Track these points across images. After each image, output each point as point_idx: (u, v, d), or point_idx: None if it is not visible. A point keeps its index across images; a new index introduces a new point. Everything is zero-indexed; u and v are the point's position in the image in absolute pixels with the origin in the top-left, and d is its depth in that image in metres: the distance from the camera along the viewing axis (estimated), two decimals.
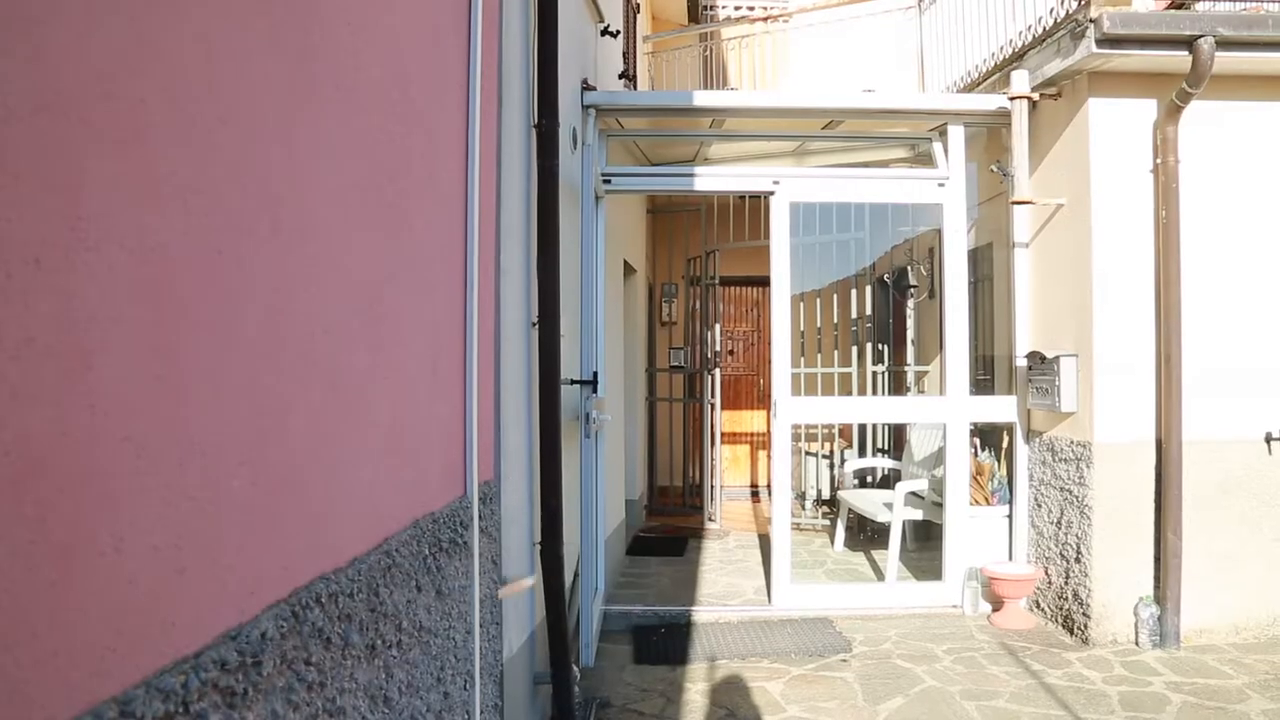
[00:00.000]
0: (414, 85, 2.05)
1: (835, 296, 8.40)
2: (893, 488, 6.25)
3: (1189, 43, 4.37)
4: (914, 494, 6.16)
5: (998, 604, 5.23)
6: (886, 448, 7.94)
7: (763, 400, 10.40)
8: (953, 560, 5.45)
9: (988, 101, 5.39)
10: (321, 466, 1.53)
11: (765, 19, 9.94)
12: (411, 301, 2.03)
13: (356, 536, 1.67)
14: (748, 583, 6.02)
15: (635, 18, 8.41)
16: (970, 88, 5.95)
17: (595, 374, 4.63)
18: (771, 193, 5.55)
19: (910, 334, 7.79)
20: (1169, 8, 4.74)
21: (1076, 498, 4.84)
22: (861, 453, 7.80)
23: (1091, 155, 4.76)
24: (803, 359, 8.45)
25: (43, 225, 0.86)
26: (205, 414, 1.16)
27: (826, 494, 8.17)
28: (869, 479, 7.83)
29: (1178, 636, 4.63)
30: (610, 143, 5.69)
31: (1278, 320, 4.78)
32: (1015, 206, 5.31)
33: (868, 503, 6.55)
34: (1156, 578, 4.71)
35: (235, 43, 1.24)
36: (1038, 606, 5.27)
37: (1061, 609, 5.01)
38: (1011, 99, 5.11)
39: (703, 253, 8.69)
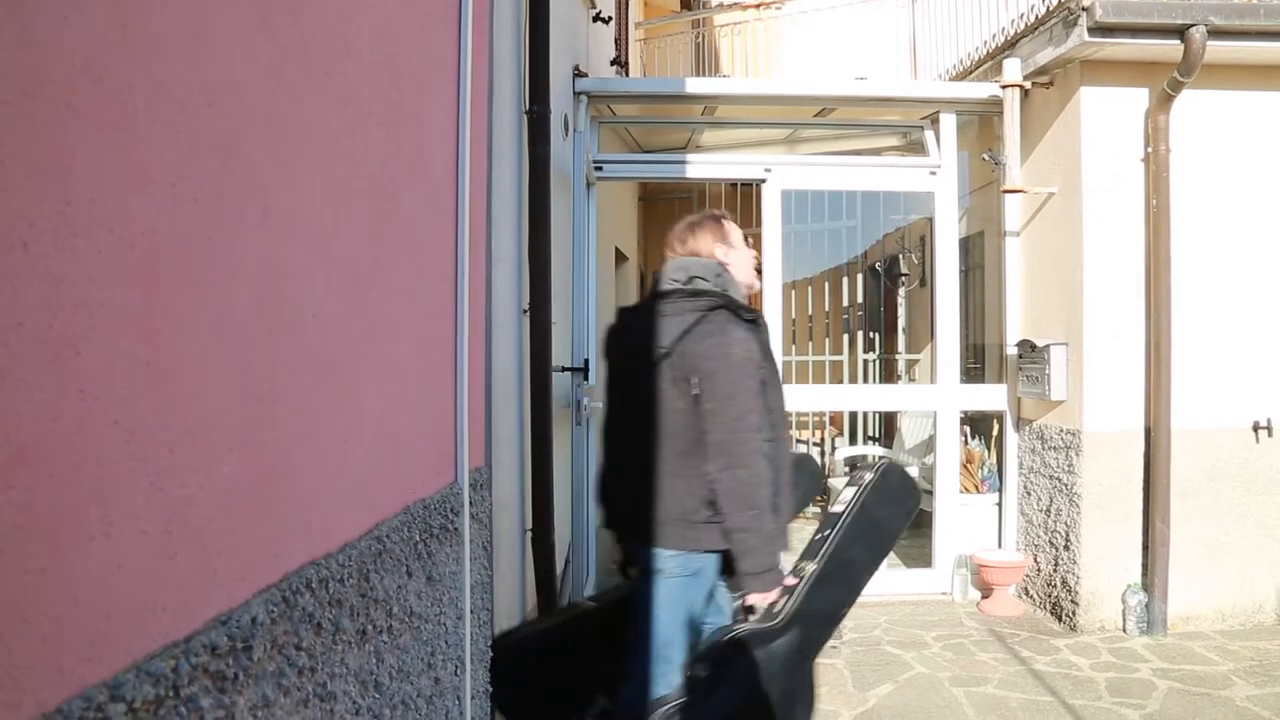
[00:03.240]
0: (404, 71, 2.04)
1: (827, 284, 8.41)
2: None
3: (1181, 31, 4.38)
4: None
5: (987, 591, 5.26)
6: (877, 435, 7.97)
7: None
8: (942, 547, 5.48)
9: (980, 90, 5.40)
10: (312, 452, 1.53)
11: (758, 5, 9.91)
12: (402, 288, 2.03)
13: (347, 522, 1.67)
14: None
15: (627, 4, 8.38)
16: (962, 76, 5.95)
17: (587, 361, 4.64)
18: (763, 180, 5.54)
19: (901, 322, 7.81)
20: None
21: (1066, 485, 4.87)
22: (852, 440, 7.82)
23: (1083, 144, 4.76)
24: (794, 346, 8.47)
25: (30, 209, 0.86)
26: (194, 399, 1.16)
27: None
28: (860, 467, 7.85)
29: (1165, 623, 4.67)
30: (602, 129, 5.68)
31: (1267, 310, 4.80)
32: (1007, 195, 5.32)
33: None
34: (1144, 565, 4.74)
35: (224, 26, 1.23)
36: (1027, 594, 5.30)
37: (1050, 596, 5.04)
38: (1003, 87, 5.12)
39: None
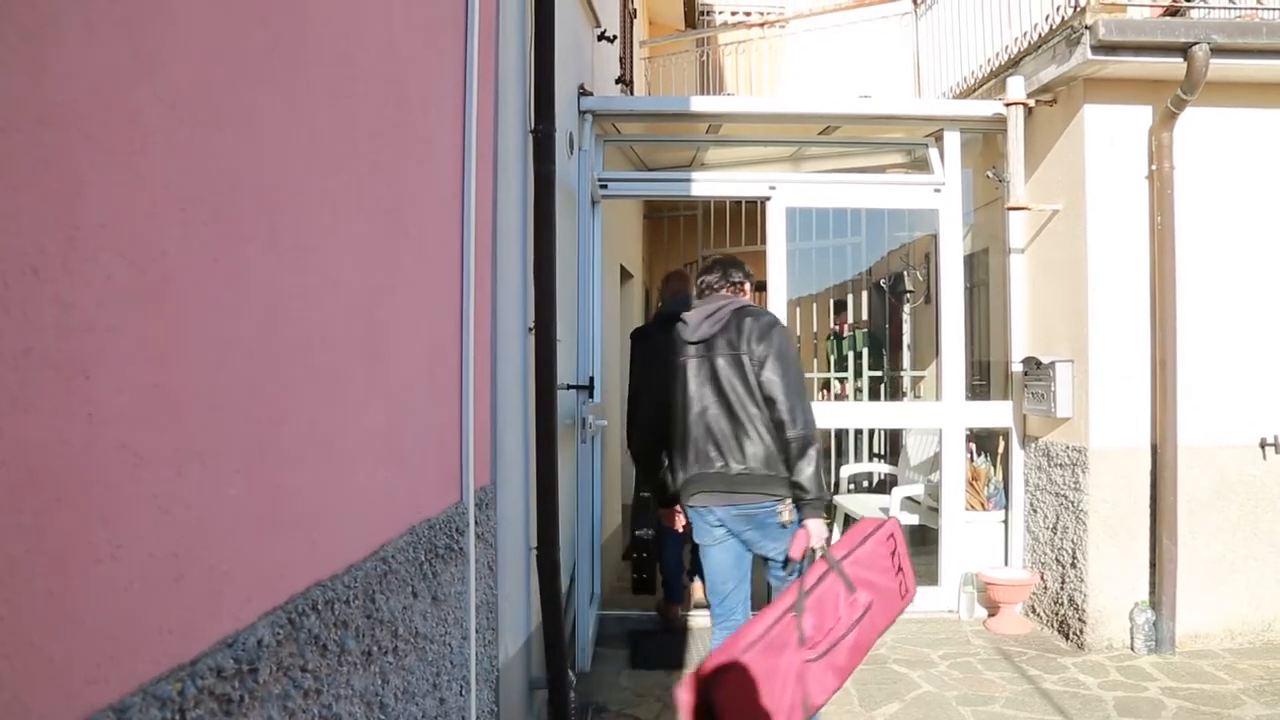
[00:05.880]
0: (411, 92, 2.06)
1: (832, 302, 8.41)
2: (889, 493, 6.25)
3: (1184, 49, 4.39)
4: (910, 499, 6.17)
5: (994, 609, 5.24)
6: (882, 453, 7.95)
7: None
8: (949, 565, 5.46)
9: (984, 107, 5.41)
10: (318, 473, 1.53)
11: (762, 24, 9.97)
12: (408, 308, 2.04)
13: (353, 543, 1.67)
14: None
15: (632, 23, 8.43)
16: (966, 94, 5.96)
17: (592, 379, 4.64)
18: (768, 198, 5.55)
19: (906, 339, 7.80)
20: (1164, 14, 4.77)
21: (1072, 503, 4.85)
22: (857, 458, 7.80)
23: (1087, 161, 4.77)
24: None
25: (41, 235, 0.87)
26: (202, 422, 1.16)
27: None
28: (865, 484, 7.84)
29: (1173, 642, 4.64)
30: (607, 148, 5.70)
31: (1273, 326, 4.79)
32: (1011, 212, 5.32)
33: (864, 507, 6.55)
34: (1152, 583, 4.72)
35: (233, 52, 1.24)
36: (1033, 611, 5.28)
37: (1057, 614, 5.01)
38: (1007, 105, 5.13)
39: (699, 257, 8.69)
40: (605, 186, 5.39)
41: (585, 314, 4.79)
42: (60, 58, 0.90)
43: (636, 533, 4.40)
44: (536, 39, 3.53)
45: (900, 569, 3.13)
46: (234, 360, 1.25)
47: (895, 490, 6.11)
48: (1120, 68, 4.59)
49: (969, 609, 5.35)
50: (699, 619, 5.32)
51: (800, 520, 3.28)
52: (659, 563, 5.26)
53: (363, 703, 1.65)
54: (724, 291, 3.66)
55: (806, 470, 3.28)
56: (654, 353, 3.91)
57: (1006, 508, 5.51)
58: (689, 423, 3.49)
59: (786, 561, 3.34)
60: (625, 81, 7.28)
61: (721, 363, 3.44)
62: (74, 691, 0.92)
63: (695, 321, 3.56)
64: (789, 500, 3.34)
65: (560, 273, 3.66)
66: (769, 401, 3.35)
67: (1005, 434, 5.58)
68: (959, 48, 6.33)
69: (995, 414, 5.56)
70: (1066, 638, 4.91)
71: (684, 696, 2.81)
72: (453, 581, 2.29)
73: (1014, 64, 5.25)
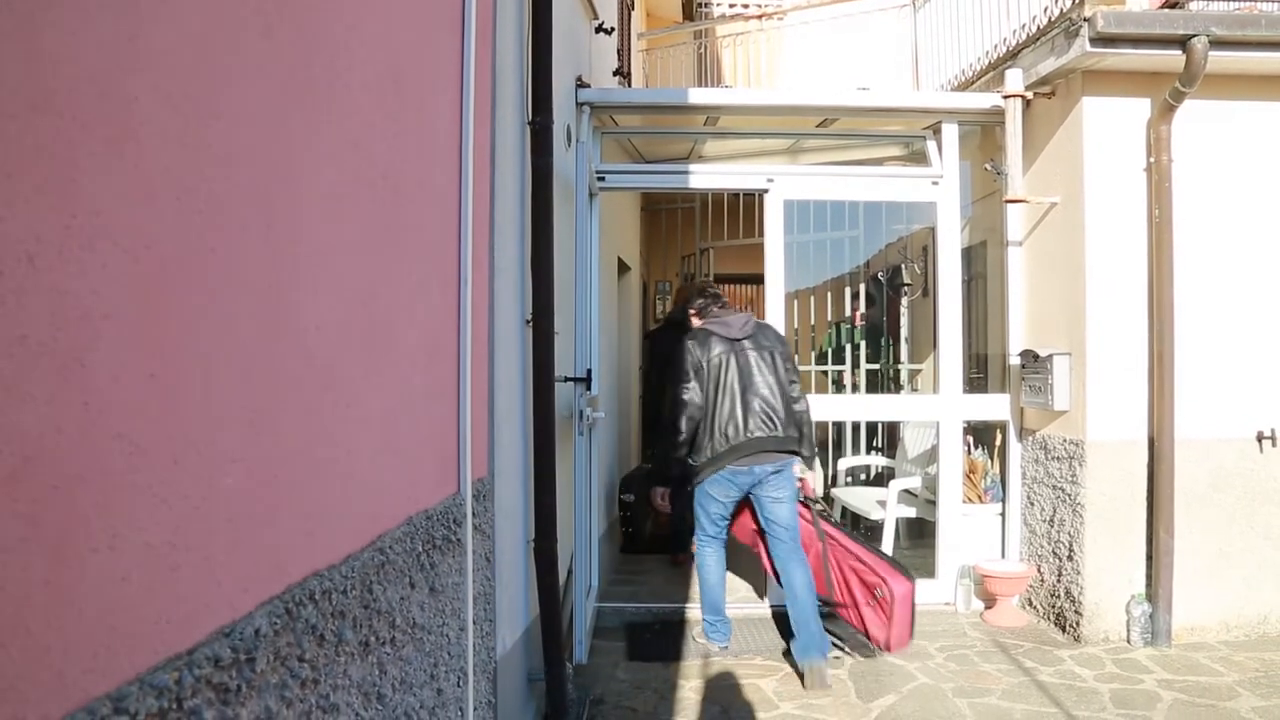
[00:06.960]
0: (408, 83, 2.05)
1: (829, 294, 8.41)
2: (886, 485, 6.26)
3: (1182, 42, 4.38)
4: (907, 491, 6.17)
5: (990, 601, 5.24)
6: (880, 446, 7.95)
7: None
8: (946, 558, 5.47)
9: (982, 100, 5.40)
10: (314, 463, 1.53)
11: (760, 16, 9.94)
12: (406, 298, 2.04)
13: (350, 533, 1.67)
14: (741, 580, 6.03)
15: (630, 15, 8.40)
16: (964, 86, 5.96)
17: (589, 371, 4.63)
18: (766, 190, 5.55)
19: (904, 332, 7.80)
20: (1163, 7, 4.76)
21: (1069, 496, 4.86)
22: (854, 450, 7.81)
23: (1085, 154, 4.77)
24: (796, 356, 8.44)
25: (36, 223, 0.86)
26: (198, 411, 1.16)
27: (820, 491, 8.16)
28: (862, 476, 7.84)
29: (1169, 634, 4.65)
30: (605, 140, 5.69)
31: (1270, 319, 4.80)
32: (1009, 205, 5.32)
33: (861, 500, 6.56)
34: (1148, 575, 4.73)
35: (229, 40, 1.24)
36: (1030, 604, 5.29)
37: (1054, 607, 5.02)
38: (1005, 97, 5.12)
39: (697, 250, 8.69)
40: (603, 179, 5.38)
41: (583, 306, 4.78)
42: (55, 44, 0.89)
43: (622, 496, 5.41)
44: (534, 31, 3.53)
45: None
46: (230, 350, 1.25)
47: (892, 483, 6.11)
48: (1119, 60, 4.58)
49: (966, 601, 5.36)
50: (695, 611, 5.32)
51: (804, 469, 4.72)
52: (670, 520, 6.31)
53: (360, 693, 1.65)
54: (722, 306, 4.78)
55: (810, 438, 4.65)
56: (677, 349, 5.12)
57: (1003, 500, 5.52)
58: (748, 398, 4.46)
59: (804, 498, 4.73)
60: (623, 74, 7.26)
61: (768, 355, 4.56)
62: (70, 680, 0.92)
63: (738, 324, 4.60)
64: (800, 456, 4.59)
65: (558, 265, 3.66)
66: (793, 385, 4.59)
67: (1002, 427, 5.58)
68: (957, 40, 6.32)
69: (992, 407, 5.56)
70: (1063, 630, 4.92)
71: (909, 585, 4.41)
72: (450, 573, 2.29)
73: (1012, 56, 5.24)
